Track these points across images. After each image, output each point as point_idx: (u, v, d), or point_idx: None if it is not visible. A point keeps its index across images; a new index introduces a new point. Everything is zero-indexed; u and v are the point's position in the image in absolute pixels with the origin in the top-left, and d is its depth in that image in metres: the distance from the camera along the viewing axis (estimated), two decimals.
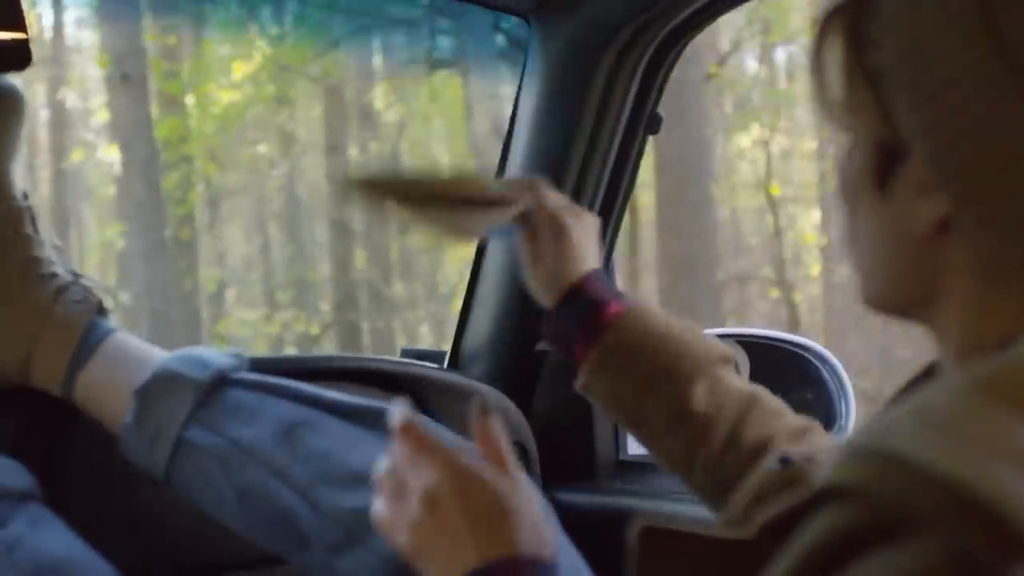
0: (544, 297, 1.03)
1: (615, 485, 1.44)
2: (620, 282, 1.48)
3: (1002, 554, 0.38)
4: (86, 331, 1.06)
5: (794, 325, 6.92)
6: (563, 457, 1.45)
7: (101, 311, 1.09)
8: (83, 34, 7.05)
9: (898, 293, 0.62)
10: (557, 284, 1.01)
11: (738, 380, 0.98)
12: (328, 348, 7.08)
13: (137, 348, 1.08)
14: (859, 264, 0.65)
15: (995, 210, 0.54)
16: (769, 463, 0.70)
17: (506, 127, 1.45)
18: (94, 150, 7.21)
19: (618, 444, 1.49)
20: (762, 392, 0.98)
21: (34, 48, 1.05)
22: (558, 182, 1.38)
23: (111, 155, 6.86)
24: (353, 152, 7.24)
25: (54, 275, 1.07)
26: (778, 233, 7.44)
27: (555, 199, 1.03)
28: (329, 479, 1.00)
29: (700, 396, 0.95)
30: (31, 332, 1.05)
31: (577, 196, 1.39)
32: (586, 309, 0.99)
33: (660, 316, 1.00)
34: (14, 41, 1.03)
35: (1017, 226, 0.54)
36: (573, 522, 1.21)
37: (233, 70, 6.83)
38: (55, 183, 6.99)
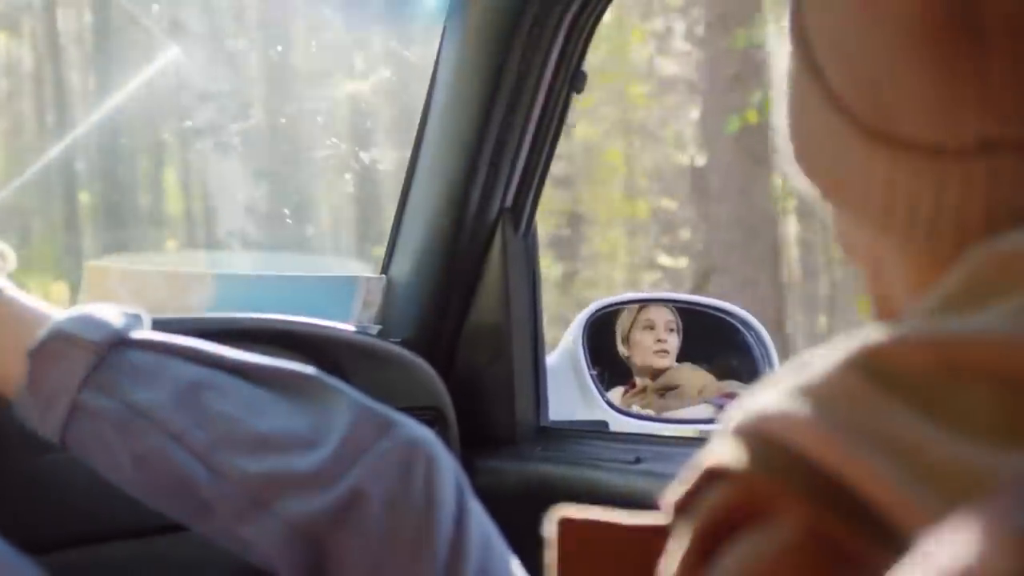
0: None
1: (536, 452, 1.42)
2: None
3: (862, 539, 0.38)
4: None
5: None
6: (483, 424, 1.42)
7: None
8: None
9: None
10: None
11: None
12: None
13: (27, 307, 1.01)
14: None
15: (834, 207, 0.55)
16: None
17: None
18: None
19: (539, 411, 1.46)
20: None
21: None
22: (480, 140, 1.34)
23: None
24: None
25: None
26: None
27: None
28: (233, 443, 0.96)
29: None
30: None
31: (499, 154, 1.35)
32: None
33: None
34: None
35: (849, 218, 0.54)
36: (493, 489, 1.18)
37: None
38: None
